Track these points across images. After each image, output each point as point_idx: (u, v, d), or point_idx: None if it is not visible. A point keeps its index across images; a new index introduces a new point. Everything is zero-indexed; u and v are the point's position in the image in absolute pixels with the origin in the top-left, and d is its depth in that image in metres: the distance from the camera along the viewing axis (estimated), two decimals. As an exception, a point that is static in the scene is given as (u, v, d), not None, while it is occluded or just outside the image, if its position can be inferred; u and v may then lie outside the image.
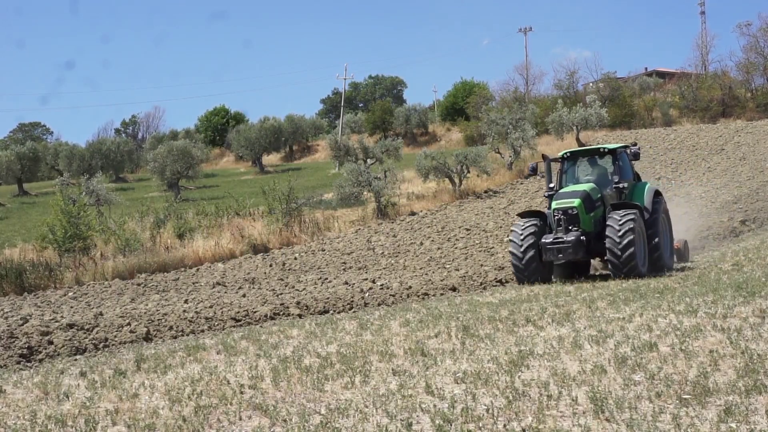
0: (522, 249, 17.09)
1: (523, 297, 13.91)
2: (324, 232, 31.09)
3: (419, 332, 9.87)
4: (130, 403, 7.01)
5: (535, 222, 17.51)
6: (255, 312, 14.66)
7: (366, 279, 19.64)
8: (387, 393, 6.68)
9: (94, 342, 12.27)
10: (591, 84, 66.70)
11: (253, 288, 19.45)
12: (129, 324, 13.36)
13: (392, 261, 23.91)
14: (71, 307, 17.45)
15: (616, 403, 5.86)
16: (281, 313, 14.76)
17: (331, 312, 14.89)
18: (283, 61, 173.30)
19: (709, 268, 16.73)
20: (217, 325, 13.83)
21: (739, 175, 35.41)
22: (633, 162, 19.17)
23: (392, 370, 7.67)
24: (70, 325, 13.00)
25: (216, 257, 26.68)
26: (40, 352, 11.64)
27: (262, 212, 32.54)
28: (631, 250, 16.21)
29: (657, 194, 18.84)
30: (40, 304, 18.39)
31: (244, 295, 17.72)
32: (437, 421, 5.73)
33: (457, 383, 6.88)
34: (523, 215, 18.45)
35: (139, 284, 21.60)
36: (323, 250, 27.02)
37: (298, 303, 15.48)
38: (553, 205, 17.29)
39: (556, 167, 19.94)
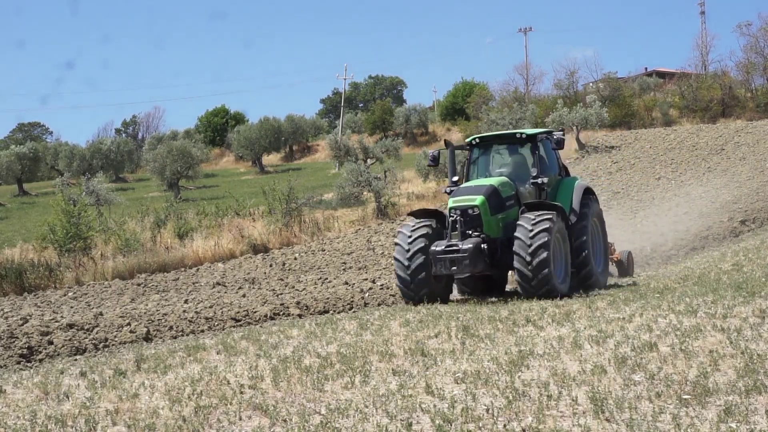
0: (409, 258, 13.99)
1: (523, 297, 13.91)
2: (324, 232, 31.09)
3: (419, 332, 9.87)
4: (130, 403, 7.01)
5: (428, 224, 14.34)
6: (255, 312, 14.67)
7: (366, 279, 19.62)
8: (387, 393, 6.68)
9: (94, 342, 12.27)
10: (591, 84, 66.62)
11: (253, 288, 19.44)
12: (129, 324, 13.36)
13: (392, 261, 23.88)
14: (71, 307, 17.45)
15: (616, 403, 5.86)
16: (281, 313, 14.76)
17: (331, 312, 14.89)
18: (283, 61, 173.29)
19: (709, 268, 16.71)
20: (217, 325, 13.84)
21: (739, 175, 35.39)
22: (557, 152, 15.96)
23: (392, 370, 7.67)
24: (70, 325, 13.00)
25: (216, 257, 26.68)
26: (40, 352, 11.65)
27: (262, 212, 32.54)
28: (545, 263, 13.19)
29: (588, 193, 15.79)
30: (40, 304, 18.39)
31: (244, 295, 17.71)
32: (437, 421, 5.74)
33: (457, 383, 6.88)
34: (415, 214, 15.15)
35: (139, 284, 21.59)
36: (323, 250, 27.01)
37: (298, 303, 15.48)
38: (450, 203, 14.23)
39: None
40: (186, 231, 28.93)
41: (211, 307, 15.48)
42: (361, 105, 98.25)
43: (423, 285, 14.01)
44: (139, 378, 8.35)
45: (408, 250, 14.06)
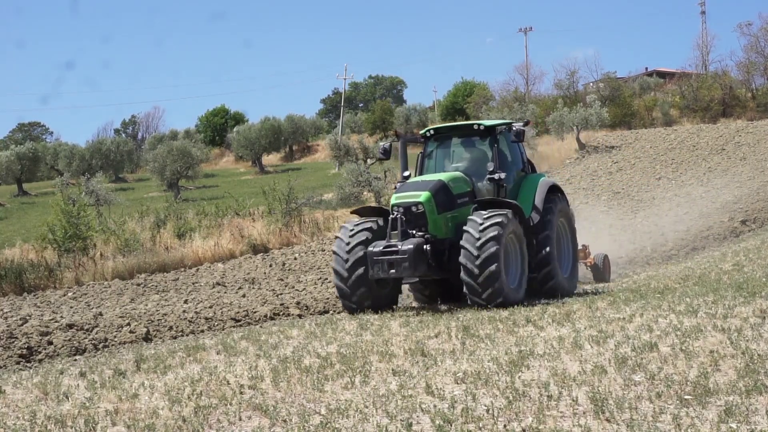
0: (348, 262, 12.88)
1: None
2: (324, 232, 31.05)
3: (419, 332, 9.86)
4: (129, 404, 7.00)
5: (371, 224, 13.26)
6: (255, 312, 14.65)
7: (366, 279, 19.58)
8: (387, 393, 6.68)
9: (93, 342, 12.26)
10: (591, 84, 66.62)
11: (253, 288, 19.43)
12: (129, 324, 13.35)
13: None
14: (71, 308, 17.43)
15: (616, 404, 5.85)
16: (281, 313, 14.75)
17: (331, 312, 14.88)
18: (283, 61, 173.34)
19: (710, 268, 16.69)
20: (217, 325, 13.83)
21: (740, 175, 35.37)
22: (521, 146, 14.80)
23: (392, 370, 7.66)
24: (70, 326, 12.99)
25: (216, 257, 26.65)
26: (40, 353, 11.64)
27: (262, 212, 32.51)
28: (493, 267, 12.01)
29: (553, 190, 14.52)
30: (39, 305, 18.37)
31: (244, 295, 17.70)
32: (437, 422, 5.73)
33: (457, 383, 6.88)
34: (360, 212, 14.10)
35: (138, 284, 21.57)
36: (323, 250, 26.98)
37: (298, 303, 15.48)
38: (393, 199, 13.16)
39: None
40: (186, 231, 28.91)
41: (210, 307, 15.47)
42: (361, 105, 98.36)
43: (360, 287, 12.92)
44: (138, 378, 8.34)
45: (349, 243, 12.98)
